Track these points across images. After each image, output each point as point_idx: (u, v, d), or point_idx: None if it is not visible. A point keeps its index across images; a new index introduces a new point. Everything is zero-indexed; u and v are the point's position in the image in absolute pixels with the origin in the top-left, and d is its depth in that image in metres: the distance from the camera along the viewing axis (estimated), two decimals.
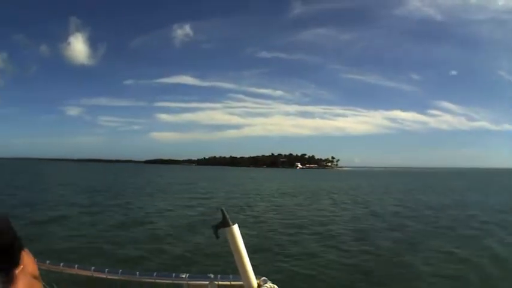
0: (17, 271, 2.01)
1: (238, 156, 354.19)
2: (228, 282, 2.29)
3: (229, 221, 2.04)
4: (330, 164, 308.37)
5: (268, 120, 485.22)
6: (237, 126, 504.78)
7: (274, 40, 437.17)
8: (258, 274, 2.13)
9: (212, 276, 2.33)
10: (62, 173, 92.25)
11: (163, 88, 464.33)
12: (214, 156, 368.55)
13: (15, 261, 2.01)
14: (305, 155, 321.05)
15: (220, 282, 2.31)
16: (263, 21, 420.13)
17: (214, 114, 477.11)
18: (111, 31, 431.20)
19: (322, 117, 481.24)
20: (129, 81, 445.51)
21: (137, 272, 2.61)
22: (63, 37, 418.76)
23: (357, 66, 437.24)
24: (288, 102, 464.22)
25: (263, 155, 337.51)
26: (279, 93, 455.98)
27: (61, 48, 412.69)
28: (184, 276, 2.40)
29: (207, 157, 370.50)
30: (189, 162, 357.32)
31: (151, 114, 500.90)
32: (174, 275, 2.45)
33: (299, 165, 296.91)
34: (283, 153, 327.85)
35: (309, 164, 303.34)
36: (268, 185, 61.58)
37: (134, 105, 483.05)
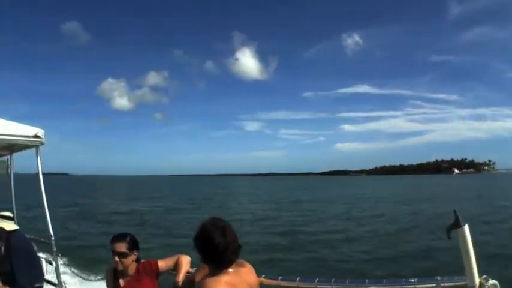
0: (228, 270, 2.31)
1: (406, 164, 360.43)
2: (453, 283, 2.29)
3: (461, 222, 2.16)
4: (486, 167, 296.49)
5: (445, 125, 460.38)
6: (418, 133, 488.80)
7: (440, 43, 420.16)
8: (482, 273, 2.14)
9: (439, 278, 2.33)
10: (247, 187, 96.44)
11: (344, 98, 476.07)
12: (385, 165, 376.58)
13: (226, 261, 2.30)
14: (465, 159, 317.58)
15: (446, 284, 2.30)
16: (425, 25, 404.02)
17: (396, 122, 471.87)
18: (280, 44, 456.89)
19: (493, 119, 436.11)
20: (307, 94, 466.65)
21: (366, 280, 2.59)
22: (229, 53, 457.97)
23: None
24: (461, 105, 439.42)
25: (428, 162, 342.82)
26: (453, 97, 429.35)
27: (228, 64, 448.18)
28: (413, 280, 2.38)
29: (381, 166, 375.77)
30: (360, 172, 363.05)
31: (335, 125, 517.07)
32: (403, 280, 2.42)
33: (456, 171, 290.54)
34: (448, 159, 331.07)
35: (467, 169, 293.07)
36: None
37: (315, 117, 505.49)
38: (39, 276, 5.07)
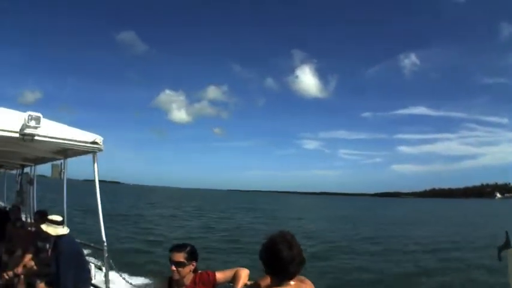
0: (290, 282, 2.39)
1: (454, 188, 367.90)
2: None
3: (511, 243, 2.18)
4: None
5: (496, 148, 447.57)
6: (471, 156, 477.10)
7: (492, 65, 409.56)
8: None
9: None
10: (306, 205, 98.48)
11: (401, 119, 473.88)
12: (434, 188, 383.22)
13: (289, 273, 2.39)
14: (509, 183, 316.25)
15: None
16: (477, 46, 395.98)
17: (450, 144, 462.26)
18: (339, 63, 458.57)
19: None
20: (366, 114, 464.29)
21: None
22: (289, 70, 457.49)
23: None
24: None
25: (474, 186, 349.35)
26: (505, 120, 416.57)
27: (288, 81, 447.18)
28: None
29: (430, 189, 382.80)
30: (411, 195, 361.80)
31: (392, 146, 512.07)
32: None
33: (498, 195, 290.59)
34: (492, 183, 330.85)
35: (509, 193, 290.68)
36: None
37: (374, 138, 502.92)
38: (86, 281, 5.25)
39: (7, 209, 10.53)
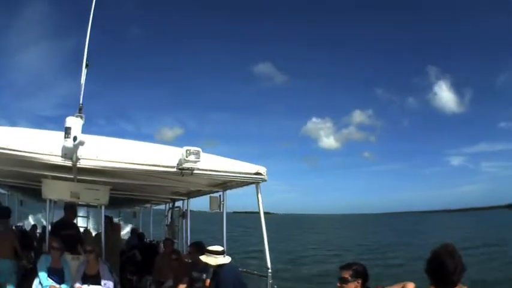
0: None
1: None
2: None
3: None
4: None
5: None
6: None
7: None
8: None
9: None
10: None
11: None
12: None
13: (452, 282, 2.57)
14: None
15: None
16: None
17: None
18: (471, 74, 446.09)
19: None
20: (502, 124, 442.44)
21: None
22: (427, 87, 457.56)
23: None
24: None
25: None
26: None
27: (428, 98, 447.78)
28: None
29: None
30: None
31: None
32: None
33: None
34: None
35: None
36: None
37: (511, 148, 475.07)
38: None
39: (154, 242, 11.28)
